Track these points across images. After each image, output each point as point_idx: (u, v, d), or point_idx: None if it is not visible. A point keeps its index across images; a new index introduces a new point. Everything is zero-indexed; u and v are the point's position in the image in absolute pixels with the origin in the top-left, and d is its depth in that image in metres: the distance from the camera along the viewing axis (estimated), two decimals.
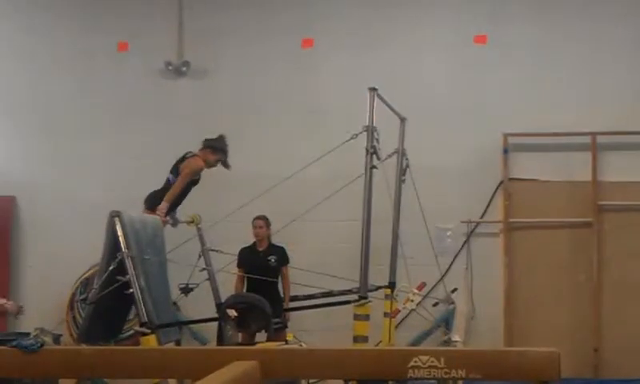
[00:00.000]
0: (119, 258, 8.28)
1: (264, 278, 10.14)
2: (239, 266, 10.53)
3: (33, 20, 12.34)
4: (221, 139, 10.28)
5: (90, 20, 12.28)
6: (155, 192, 9.94)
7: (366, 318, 8.79)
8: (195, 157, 10.12)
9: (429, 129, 11.53)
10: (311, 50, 11.92)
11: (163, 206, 9.70)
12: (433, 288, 11.30)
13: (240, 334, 9.27)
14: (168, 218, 9.92)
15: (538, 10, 11.82)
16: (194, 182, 10.14)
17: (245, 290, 10.35)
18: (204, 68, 12.13)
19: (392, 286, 10.55)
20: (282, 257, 10.68)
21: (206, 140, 10.26)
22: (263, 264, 10.51)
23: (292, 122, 11.93)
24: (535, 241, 11.60)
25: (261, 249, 10.67)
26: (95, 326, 8.81)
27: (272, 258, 10.60)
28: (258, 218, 10.66)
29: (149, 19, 12.18)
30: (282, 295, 10.60)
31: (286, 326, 10.36)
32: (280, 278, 10.69)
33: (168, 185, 9.97)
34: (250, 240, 10.74)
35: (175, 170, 10.05)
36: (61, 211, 11.99)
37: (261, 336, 9.48)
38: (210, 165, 10.19)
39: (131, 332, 9.80)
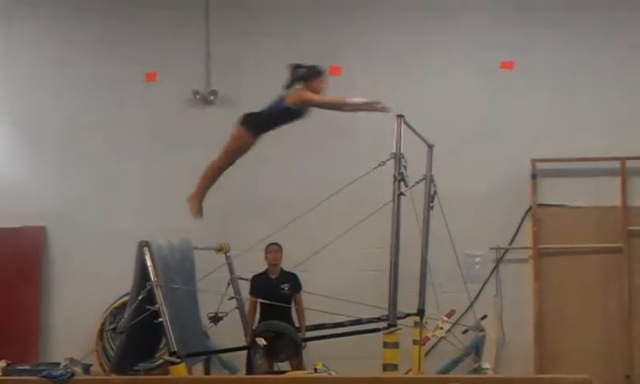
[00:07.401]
0: (148, 287, 8.33)
1: (278, 304, 10.10)
2: (252, 293, 10.47)
3: (60, 51, 12.39)
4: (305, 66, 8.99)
5: (118, 50, 12.32)
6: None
7: (396, 345, 8.75)
8: (289, 96, 8.86)
9: (456, 155, 11.51)
10: (339, 77, 11.92)
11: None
12: (462, 315, 11.24)
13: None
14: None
15: (565, 35, 11.80)
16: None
17: (258, 318, 10.31)
18: (232, 96, 12.14)
19: (421, 313, 10.52)
20: (295, 284, 10.62)
21: (295, 70, 8.98)
22: (276, 291, 10.43)
23: (319, 148, 11.93)
24: (565, 267, 11.53)
25: (273, 276, 10.61)
26: (128, 356, 8.84)
27: (285, 286, 10.54)
28: (274, 244, 10.62)
29: (176, 49, 12.22)
30: (294, 322, 10.53)
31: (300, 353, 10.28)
32: (293, 305, 10.64)
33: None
34: None
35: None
36: (90, 240, 12.01)
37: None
38: (322, 91, 9.00)
39: (161, 361, 9.82)
